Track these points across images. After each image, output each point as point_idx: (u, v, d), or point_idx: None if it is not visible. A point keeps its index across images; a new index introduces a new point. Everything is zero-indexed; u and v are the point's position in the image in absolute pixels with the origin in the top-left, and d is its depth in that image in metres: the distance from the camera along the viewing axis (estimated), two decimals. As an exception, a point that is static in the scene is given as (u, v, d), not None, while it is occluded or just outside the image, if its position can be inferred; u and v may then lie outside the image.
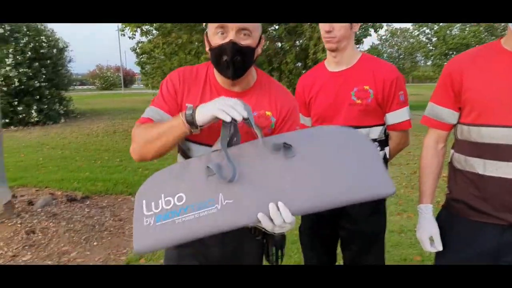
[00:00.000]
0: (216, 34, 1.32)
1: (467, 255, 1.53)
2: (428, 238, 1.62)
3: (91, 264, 3.36)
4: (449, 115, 1.60)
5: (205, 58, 9.64)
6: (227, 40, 1.30)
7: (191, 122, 1.20)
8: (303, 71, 11.44)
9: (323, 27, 1.83)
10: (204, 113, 1.19)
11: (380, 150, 1.91)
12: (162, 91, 1.45)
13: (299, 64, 11.55)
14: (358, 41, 13.29)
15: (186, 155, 1.48)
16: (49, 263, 3.36)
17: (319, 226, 2.06)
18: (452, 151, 1.66)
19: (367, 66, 1.87)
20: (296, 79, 11.18)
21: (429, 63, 20.40)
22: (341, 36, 1.81)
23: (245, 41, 1.32)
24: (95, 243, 3.79)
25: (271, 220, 1.11)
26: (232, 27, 1.29)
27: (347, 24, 1.80)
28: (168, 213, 1.18)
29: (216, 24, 1.31)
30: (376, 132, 1.88)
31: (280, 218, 1.10)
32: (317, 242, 2.12)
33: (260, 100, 1.45)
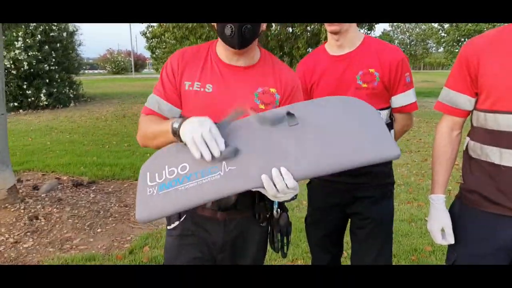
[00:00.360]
0: None
1: (482, 251, 1.46)
2: (439, 230, 1.54)
3: (93, 251, 3.28)
4: (465, 101, 1.50)
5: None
6: None
7: (178, 135, 1.23)
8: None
9: None
10: (183, 134, 1.20)
11: None
12: (162, 76, 1.46)
13: (310, 49, 11.38)
14: (370, 27, 13.07)
15: None
16: (51, 250, 3.28)
17: (326, 218, 2.02)
18: (467, 138, 1.56)
19: (371, 49, 1.79)
20: (308, 64, 11.09)
21: (440, 49, 20.05)
22: None
23: None
24: (99, 230, 3.71)
25: (274, 185, 1.11)
26: None
27: None
28: (171, 182, 1.19)
29: None
30: (383, 115, 1.81)
31: (282, 182, 1.11)
32: (323, 232, 2.06)
33: (264, 76, 1.45)
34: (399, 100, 1.81)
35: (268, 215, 1.51)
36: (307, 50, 11.21)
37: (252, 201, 1.46)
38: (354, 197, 1.88)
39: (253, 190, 1.15)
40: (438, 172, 1.59)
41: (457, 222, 1.55)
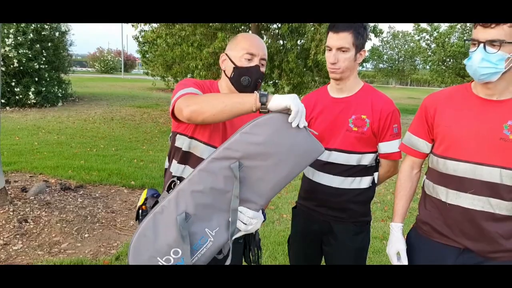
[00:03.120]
0: (243, 57, 1.65)
1: None
2: (395, 253, 1.79)
3: (81, 256, 3.42)
4: (423, 145, 1.78)
5: (207, 52, 9.65)
6: (254, 64, 1.66)
7: (263, 103, 1.37)
8: (304, 70, 11.48)
9: (328, 58, 1.92)
10: (280, 100, 1.36)
11: (370, 176, 2.02)
12: (188, 85, 1.61)
13: (300, 62, 11.57)
14: (376, 33, 13.27)
15: (186, 157, 1.68)
16: (40, 253, 3.42)
17: (305, 241, 2.15)
18: (424, 177, 1.82)
19: (367, 97, 1.97)
20: (296, 78, 11.25)
21: (427, 67, 20.51)
22: (345, 68, 1.91)
23: (262, 68, 1.70)
24: (86, 235, 3.85)
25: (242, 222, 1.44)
26: (258, 55, 1.66)
27: (351, 57, 1.89)
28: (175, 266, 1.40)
29: (246, 51, 1.65)
30: (368, 158, 1.98)
31: (245, 217, 1.43)
32: (302, 256, 2.20)
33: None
34: (385, 147, 1.96)
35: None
36: (297, 63, 11.38)
37: None
38: (331, 228, 2.02)
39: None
40: (398, 204, 1.86)
41: (412, 247, 1.80)
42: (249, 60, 1.65)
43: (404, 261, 1.75)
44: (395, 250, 1.78)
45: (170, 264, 1.39)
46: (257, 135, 1.38)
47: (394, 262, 1.78)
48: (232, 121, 1.66)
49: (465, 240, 1.62)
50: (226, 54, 1.71)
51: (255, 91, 1.40)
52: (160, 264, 1.39)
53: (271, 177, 1.42)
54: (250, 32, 12.70)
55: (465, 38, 16.35)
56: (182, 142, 1.67)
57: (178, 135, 1.69)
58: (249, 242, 1.78)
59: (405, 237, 1.86)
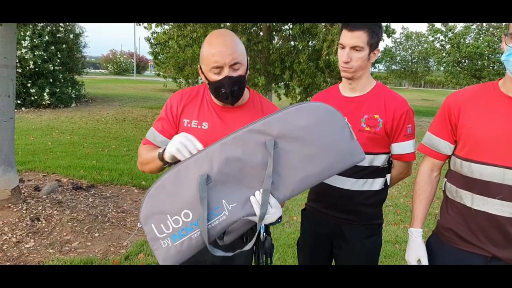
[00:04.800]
0: (211, 72, 1.54)
1: None
2: (415, 260, 1.68)
3: (91, 255, 3.46)
4: (445, 146, 1.67)
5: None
6: (223, 76, 1.53)
7: (162, 159, 1.48)
8: (315, 71, 11.44)
9: (341, 57, 1.87)
10: (167, 152, 1.44)
11: (382, 177, 1.96)
12: (162, 114, 1.72)
13: (311, 63, 11.53)
14: (389, 33, 13.18)
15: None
16: (51, 251, 3.46)
17: (314, 244, 2.11)
18: (445, 179, 1.72)
19: (379, 96, 1.91)
20: (307, 79, 11.22)
21: (441, 69, 20.22)
22: (358, 67, 1.85)
23: (237, 73, 1.55)
24: (96, 234, 3.88)
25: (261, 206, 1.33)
26: (225, 63, 1.51)
27: (365, 56, 1.83)
28: (181, 231, 1.32)
29: (211, 65, 1.52)
30: (381, 159, 1.92)
31: (265, 205, 1.32)
32: (313, 258, 2.15)
33: (252, 116, 1.64)
34: (398, 148, 1.89)
35: (254, 239, 1.64)
36: (308, 64, 11.35)
37: None
38: (342, 231, 1.97)
39: (248, 218, 1.35)
40: (418, 208, 1.75)
41: (434, 255, 1.69)
42: (217, 73, 1.54)
43: None
44: (415, 257, 1.68)
45: (178, 226, 1.31)
46: (301, 118, 1.32)
47: None
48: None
49: (492, 248, 1.52)
50: (200, 67, 1.62)
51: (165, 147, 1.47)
52: (169, 223, 1.32)
53: (304, 167, 1.34)
54: (261, 32, 12.72)
55: (480, 38, 16.04)
56: None
57: None
58: (258, 247, 1.69)
59: (425, 243, 1.77)
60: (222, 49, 1.50)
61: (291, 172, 1.34)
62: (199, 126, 1.64)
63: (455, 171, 1.63)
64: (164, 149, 1.46)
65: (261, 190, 1.33)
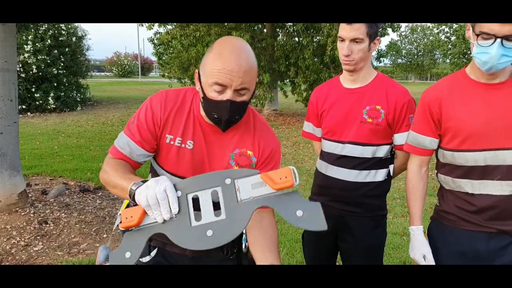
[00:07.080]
0: (212, 87, 1.27)
1: (460, 263, 1.63)
2: (421, 257, 1.72)
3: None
4: (431, 142, 1.71)
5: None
6: (224, 98, 1.27)
7: (131, 196, 1.18)
8: (320, 67, 11.38)
9: (341, 50, 1.85)
10: (138, 200, 1.12)
11: (385, 168, 1.96)
12: (140, 118, 1.41)
13: (316, 59, 11.48)
14: (394, 28, 13.12)
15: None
16: (60, 253, 3.45)
17: (320, 237, 2.09)
18: (435, 171, 1.75)
19: (381, 87, 1.90)
20: (312, 75, 11.17)
21: (447, 61, 20.12)
22: (359, 59, 1.84)
23: (241, 98, 1.30)
24: (104, 235, 3.87)
25: None
26: (231, 85, 1.25)
27: (365, 47, 1.82)
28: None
29: (213, 80, 1.25)
30: (383, 150, 1.92)
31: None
32: (318, 252, 2.16)
33: (244, 138, 1.46)
34: (400, 138, 1.88)
35: (235, 250, 1.55)
36: (313, 60, 11.31)
37: None
38: (347, 224, 1.97)
39: None
40: (414, 206, 1.78)
41: (436, 239, 1.73)
42: (218, 92, 1.27)
43: (431, 263, 1.68)
44: (421, 254, 1.71)
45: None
46: None
47: (422, 264, 1.71)
48: (213, 154, 1.45)
49: (496, 224, 1.57)
50: (198, 73, 1.35)
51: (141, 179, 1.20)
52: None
53: None
54: (265, 30, 12.66)
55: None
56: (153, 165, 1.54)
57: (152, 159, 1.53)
58: (241, 260, 1.55)
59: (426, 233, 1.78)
60: (233, 67, 1.24)
61: None
62: (183, 145, 1.42)
63: (447, 163, 1.67)
64: (136, 189, 1.16)
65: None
